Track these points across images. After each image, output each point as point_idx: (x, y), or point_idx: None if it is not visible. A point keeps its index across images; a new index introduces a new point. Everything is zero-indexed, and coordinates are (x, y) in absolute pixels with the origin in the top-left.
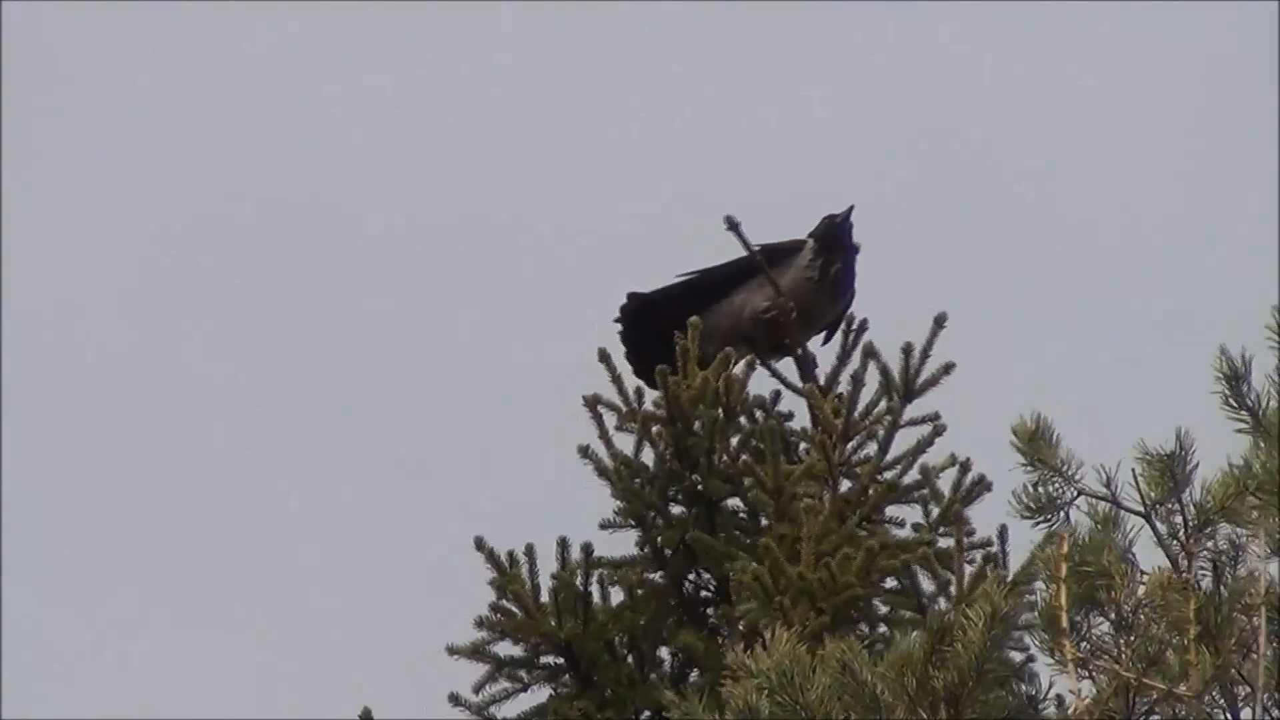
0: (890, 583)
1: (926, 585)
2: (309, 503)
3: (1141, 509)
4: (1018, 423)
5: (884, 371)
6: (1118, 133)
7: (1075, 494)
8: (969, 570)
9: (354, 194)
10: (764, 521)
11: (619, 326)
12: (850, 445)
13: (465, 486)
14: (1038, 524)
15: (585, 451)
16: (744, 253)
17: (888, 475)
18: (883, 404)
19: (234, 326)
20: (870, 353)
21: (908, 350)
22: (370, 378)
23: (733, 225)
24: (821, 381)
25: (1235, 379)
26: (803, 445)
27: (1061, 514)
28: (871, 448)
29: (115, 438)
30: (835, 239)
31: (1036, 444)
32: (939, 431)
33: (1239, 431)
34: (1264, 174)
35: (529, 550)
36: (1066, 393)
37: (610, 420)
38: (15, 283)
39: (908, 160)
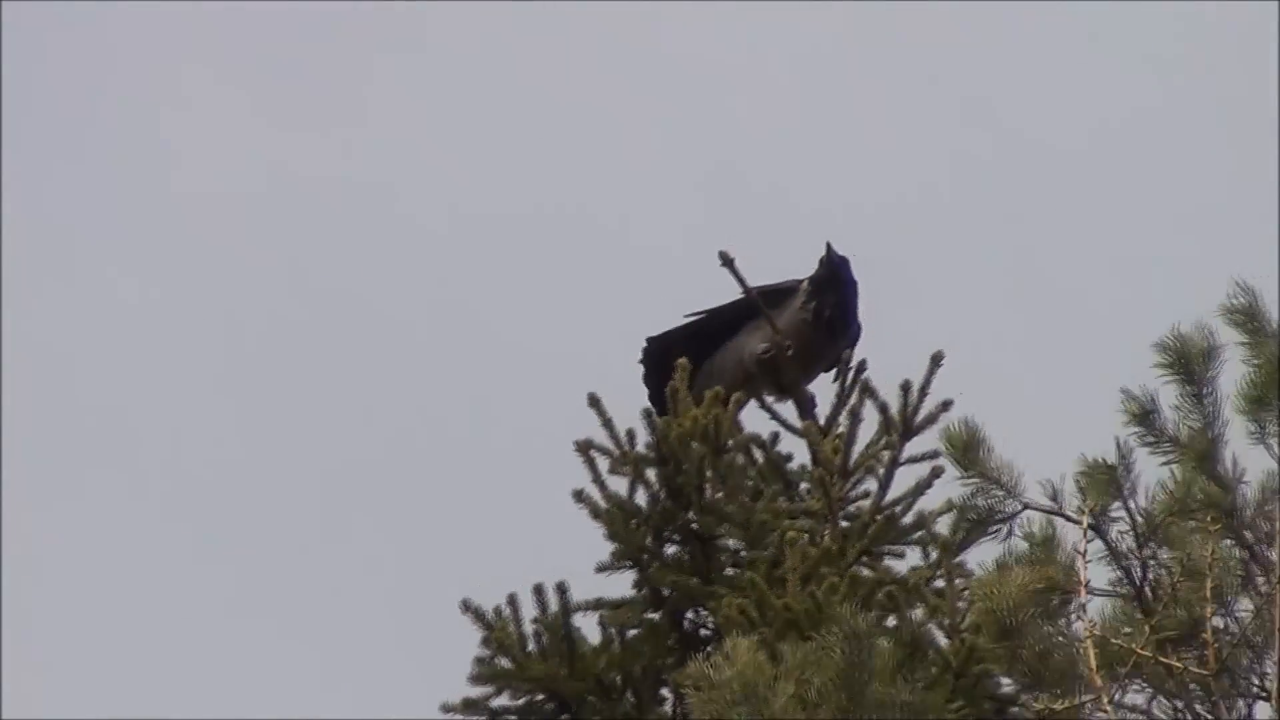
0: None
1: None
2: (303, 560)
3: (1089, 519)
4: (952, 430)
5: (882, 409)
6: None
7: (1020, 506)
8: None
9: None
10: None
11: (642, 370)
12: (850, 482)
13: (466, 540)
14: (979, 541)
15: (579, 496)
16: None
17: (886, 513)
18: (882, 441)
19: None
20: (868, 390)
21: (906, 388)
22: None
23: (727, 261)
24: (821, 421)
25: (1145, 415)
26: (804, 485)
27: (1005, 527)
28: (872, 485)
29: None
30: (829, 278)
31: (971, 454)
32: (937, 473)
33: (1165, 463)
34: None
35: (512, 600)
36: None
37: (603, 464)
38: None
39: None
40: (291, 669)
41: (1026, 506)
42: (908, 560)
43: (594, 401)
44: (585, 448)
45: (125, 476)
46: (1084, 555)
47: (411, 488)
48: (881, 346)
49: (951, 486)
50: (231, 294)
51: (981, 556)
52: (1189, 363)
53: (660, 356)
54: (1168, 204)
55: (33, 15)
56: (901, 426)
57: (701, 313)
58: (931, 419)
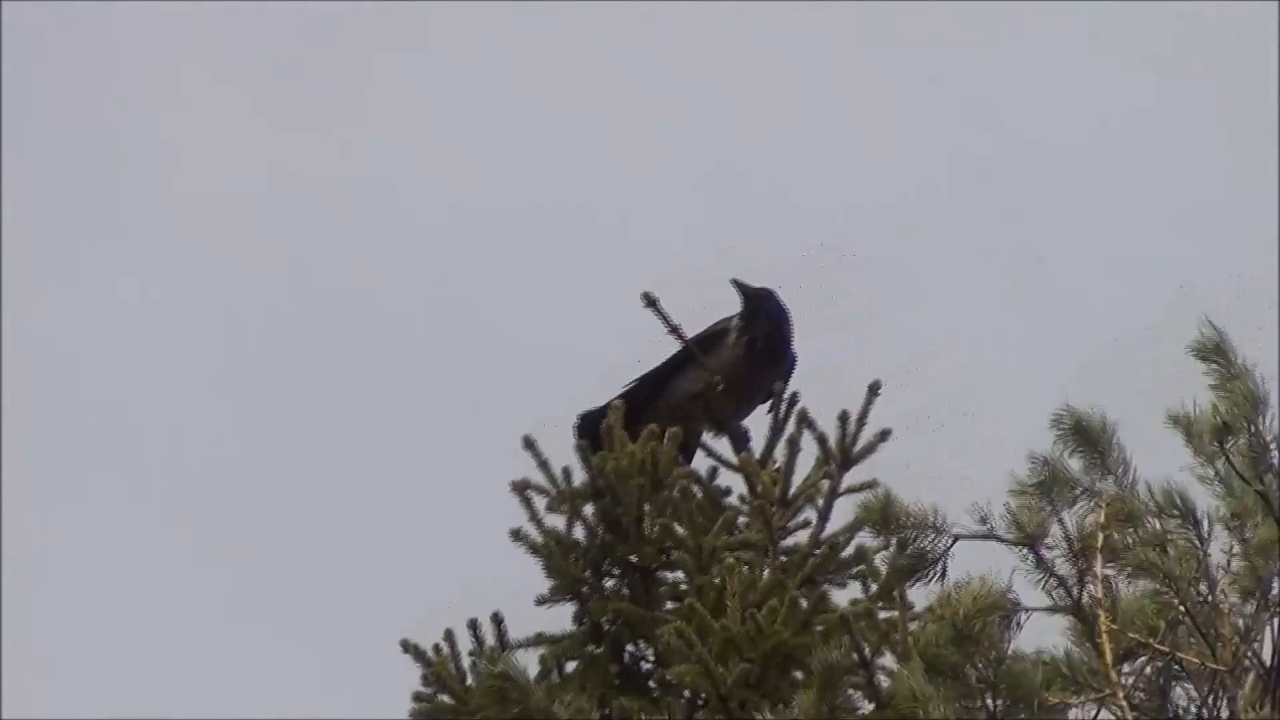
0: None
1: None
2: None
3: (1024, 539)
4: (869, 504)
5: (820, 440)
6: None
7: (951, 540)
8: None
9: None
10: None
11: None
12: (789, 512)
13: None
14: (914, 582)
15: (517, 534)
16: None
17: (828, 544)
18: (821, 471)
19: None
20: (805, 420)
21: (844, 418)
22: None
23: (650, 302)
24: (756, 455)
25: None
26: (741, 519)
27: (939, 565)
28: (812, 515)
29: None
30: (755, 311)
31: (890, 518)
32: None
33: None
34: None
35: (448, 636)
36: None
37: (540, 503)
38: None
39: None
40: (291, 669)
41: (958, 538)
42: (848, 591)
43: (529, 444)
44: (521, 487)
45: (125, 476)
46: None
47: (411, 487)
48: (883, 347)
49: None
50: (231, 294)
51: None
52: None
53: (594, 429)
54: (1168, 204)
55: (33, 15)
56: (840, 457)
57: (633, 382)
58: (870, 449)
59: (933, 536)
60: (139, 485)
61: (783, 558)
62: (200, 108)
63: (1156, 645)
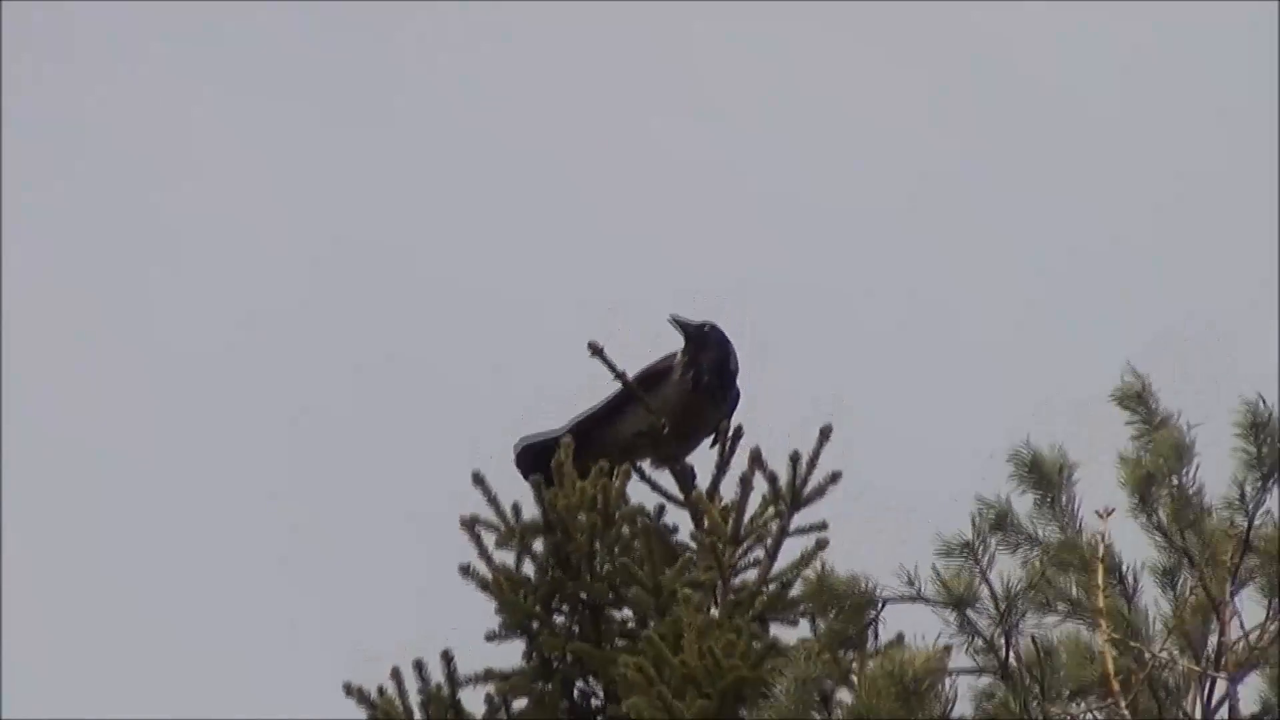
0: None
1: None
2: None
3: (950, 600)
4: (807, 583)
5: (771, 479)
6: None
7: (880, 604)
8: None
9: None
10: (650, 625)
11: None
12: (740, 550)
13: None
14: (846, 651)
15: (466, 570)
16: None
17: (774, 585)
18: (770, 510)
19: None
20: (756, 459)
21: (795, 459)
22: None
23: (596, 351)
24: (704, 491)
25: (1001, 519)
26: (689, 555)
27: (869, 630)
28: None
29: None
30: (699, 345)
31: (825, 588)
32: (822, 545)
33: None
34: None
35: (396, 674)
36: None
37: (489, 539)
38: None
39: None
40: (290, 670)
41: (885, 602)
42: (798, 630)
43: (478, 480)
44: (470, 523)
45: (126, 475)
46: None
47: (352, 524)
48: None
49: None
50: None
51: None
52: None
53: (536, 458)
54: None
55: (37, 23)
56: (790, 498)
57: (579, 417)
58: (820, 490)
59: (860, 603)
60: (139, 484)
61: (731, 595)
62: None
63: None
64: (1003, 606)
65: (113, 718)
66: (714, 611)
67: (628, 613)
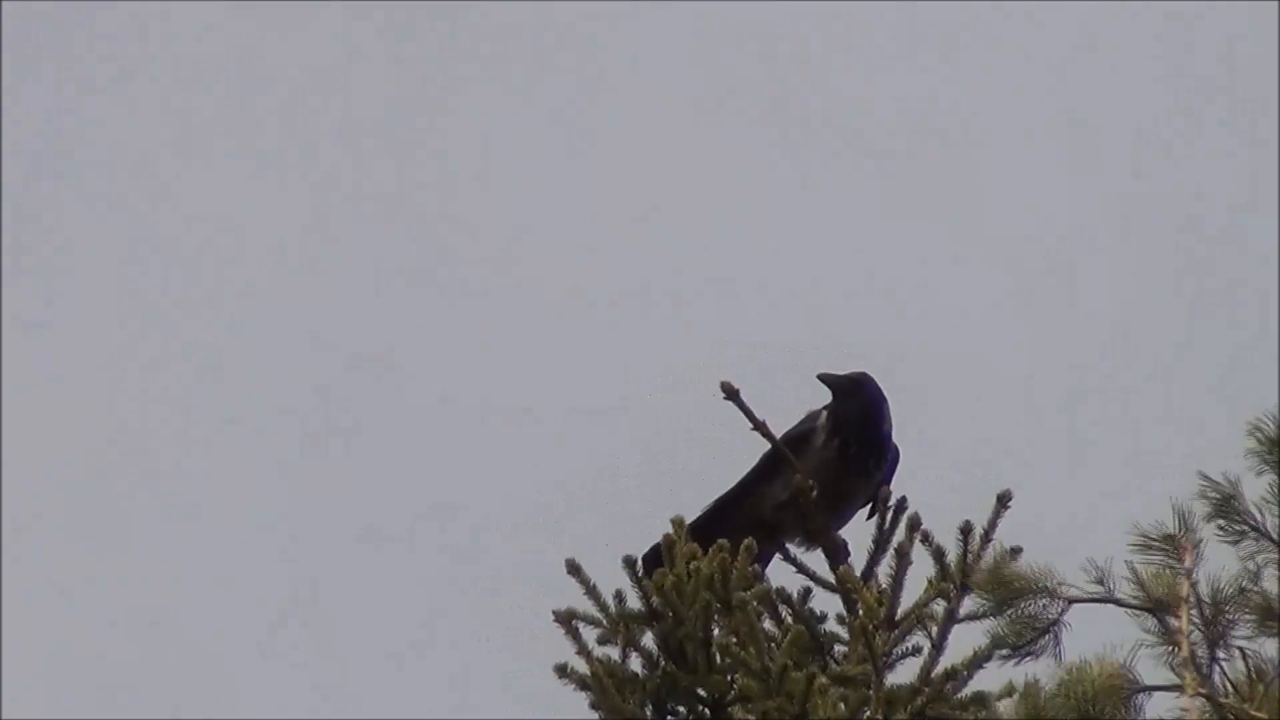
0: None
1: None
2: None
3: (1146, 603)
4: (979, 577)
5: (937, 555)
6: None
7: (1064, 605)
8: None
9: None
10: None
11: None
12: (895, 635)
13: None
14: (1019, 659)
15: (564, 670)
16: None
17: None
18: (933, 591)
19: None
20: (916, 528)
21: (966, 530)
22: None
23: (731, 394)
24: (859, 572)
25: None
26: (839, 648)
27: (1049, 635)
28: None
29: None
30: (847, 407)
31: (1000, 576)
32: (999, 643)
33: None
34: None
35: None
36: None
37: (590, 635)
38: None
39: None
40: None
41: (1073, 601)
42: None
43: (574, 568)
44: (567, 618)
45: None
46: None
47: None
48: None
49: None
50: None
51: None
52: None
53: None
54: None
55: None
56: (960, 577)
57: (708, 506)
58: (997, 571)
59: (1045, 601)
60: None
61: (887, 688)
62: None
63: None
64: (1209, 613)
65: (112, 718)
66: (868, 713)
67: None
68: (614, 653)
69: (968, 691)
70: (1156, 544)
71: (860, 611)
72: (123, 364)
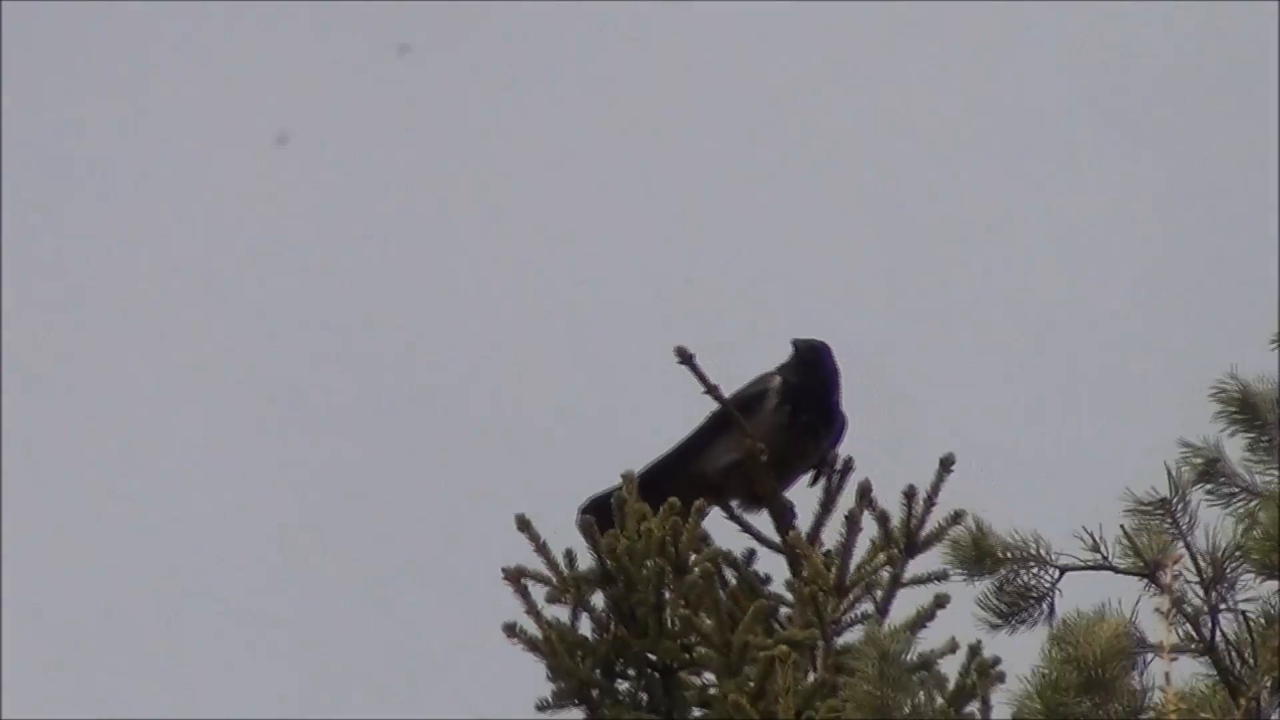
0: None
1: None
2: None
3: (1143, 569)
4: (959, 543)
5: (882, 519)
6: None
7: (1057, 574)
8: None
9: None
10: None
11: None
12: (846, 602)
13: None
14: (1013, 629)
15: (512, 630)
16: (705, 416)
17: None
18: (881, 556)
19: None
20: (865, 495)
21: (910, 495)
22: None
23: (685, 359)
24: (804, 534)
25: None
26: (784, 610)
27: (1044, 604)
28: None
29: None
30: (803, 376)
31: (983, 556)
32: (942, 602)
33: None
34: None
35: None
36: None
37: (539, 594)
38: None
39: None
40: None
41: (1066, 569)
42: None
43: (524, 524)
44: (516, 576)
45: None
46: (1170, 604)
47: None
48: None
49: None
50: None
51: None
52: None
53: (606, 514)
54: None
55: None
56: (904, 541)
57: (653, 461)
58: (939, 534)
59: (1036, 570)
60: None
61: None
62: None
63: None
64: (1207, 574)
65: (112, 718)
66: (812, 676)
67: (708, 677)
68: (564, 614)
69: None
70: (1153, 508)
71: (807, 574)
72: (121, 364)
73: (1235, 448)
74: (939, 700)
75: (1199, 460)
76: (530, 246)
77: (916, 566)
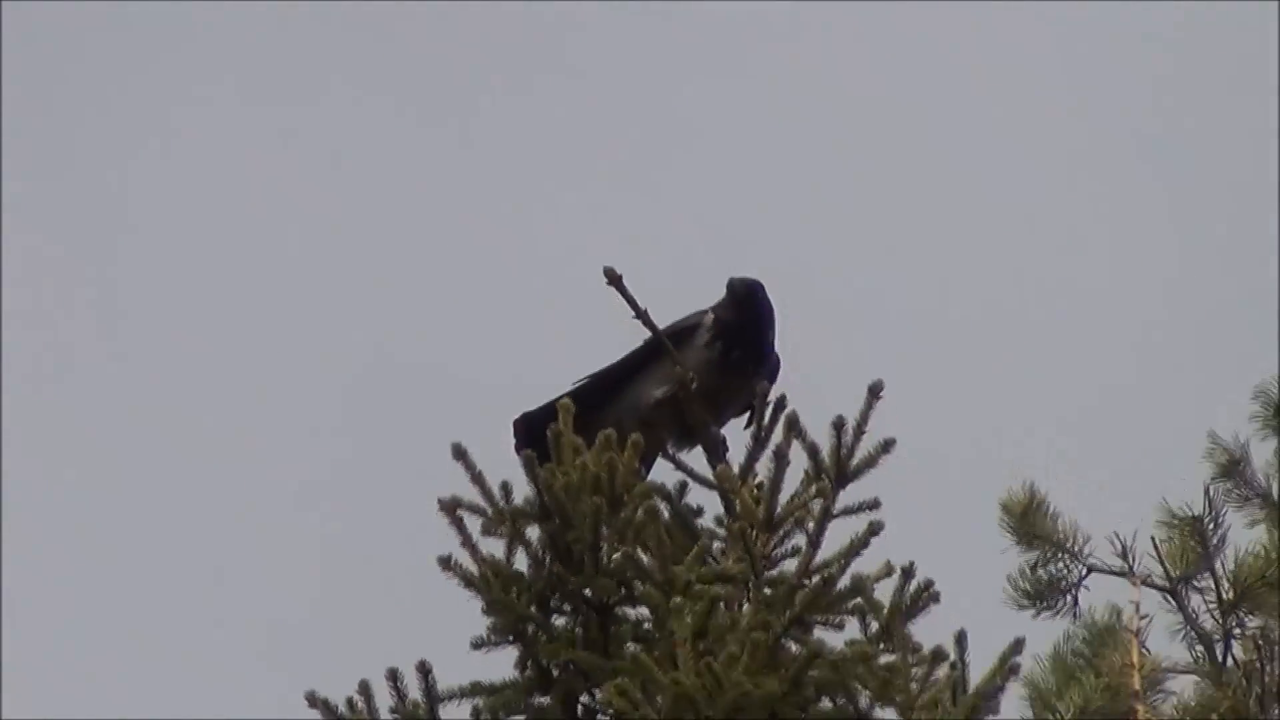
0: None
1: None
2: None
3: (1165, 583)
4: (1007, 496)
5: (811, 451)
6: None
7: (1084, 571)
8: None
9: None
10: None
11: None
12: (775, 537)
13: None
14: (1038, 613)
15: (447, 563)
16: (638, 344)
17: (817, 577)
18: (812, 489)
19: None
20: (794, 427)
21: (839, 425)
22: None
23: (613, 280)
24: (736, 468)
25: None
26: (716, 544)
27: (1069, 597)
28: (800, 542)
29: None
30: (736, 313)
31: (1031, 519)
32: (875, 529)
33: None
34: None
35: (365, 689)
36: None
37: (474, 526)
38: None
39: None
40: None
41: (1092, 570)
42: (846, 632)
43: (460, 453)
44: (451, 506)
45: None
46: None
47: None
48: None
49: (999, 559)
50: None
51: (1044, 632)
52: None
53: (539, 433)
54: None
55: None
56: (835, 471)
57: (584, 379)
58: (870, 462)
59: (1065, 562)
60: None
61: (766, 590)
62: None
63: None
64: (1228, 598)
65: (112, 718)
66: (744, 610)
67: (643, 612)
68: (499, 549)
69: (846, 582)
70: (1184, 523)
71: (739, 510)
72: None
73: (1265, 451)
74: (874, 625)
75: (1224, 458)
76: (530, 246)
77: (848, 497)
